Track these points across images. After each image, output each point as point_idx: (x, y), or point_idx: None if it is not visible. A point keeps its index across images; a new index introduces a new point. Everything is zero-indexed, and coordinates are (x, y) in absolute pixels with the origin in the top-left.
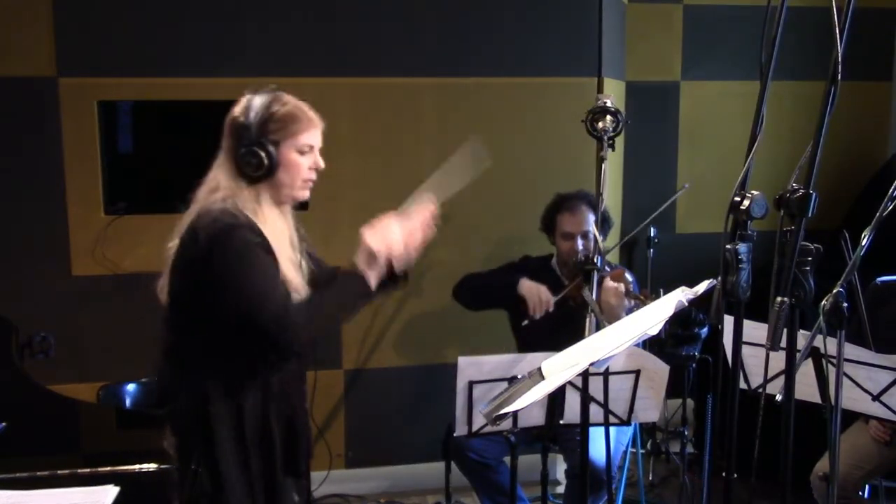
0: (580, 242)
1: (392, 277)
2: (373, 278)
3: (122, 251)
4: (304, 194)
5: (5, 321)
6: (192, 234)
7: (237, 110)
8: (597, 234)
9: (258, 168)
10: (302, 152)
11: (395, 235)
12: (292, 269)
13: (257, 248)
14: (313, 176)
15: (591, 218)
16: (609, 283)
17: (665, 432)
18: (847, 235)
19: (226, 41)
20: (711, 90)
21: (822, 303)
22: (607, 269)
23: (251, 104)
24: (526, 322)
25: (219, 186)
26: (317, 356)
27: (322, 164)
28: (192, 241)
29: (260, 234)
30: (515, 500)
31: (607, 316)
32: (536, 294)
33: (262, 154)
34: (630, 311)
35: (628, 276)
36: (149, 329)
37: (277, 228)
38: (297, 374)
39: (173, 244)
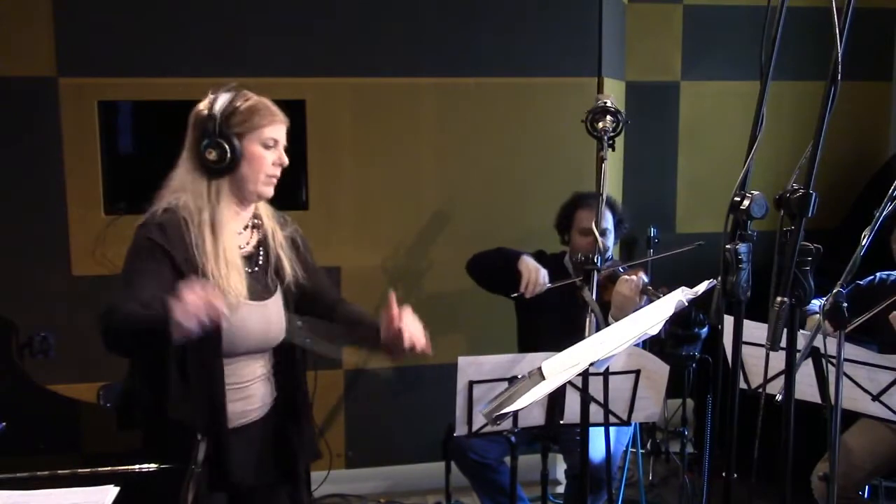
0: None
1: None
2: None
3: (122, 251)
4: (268, 191)
5: (5, 321)
6: None
7: (201, 105)
8: (597, 234)
9: (220, 160)
10: (266, 146)
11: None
12: (225, 269)
13: (152, 250)
14: (277, 172)
15: (610, 216)
16: (624, 276)
17: (665, 432)
18: None
19: (226, 41)
20: (711, 90)
21: (822, 303)
22: (621, 269)
23: (215, 99)
24: (514, 294)
25: (177, 185)
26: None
27: (286, 160)
28: None
29: (172, 235)
30: (515, 500)
31: (619, 307)
32: (534, 272)
33: (225, 145)
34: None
35: (643, 275)
36: None
37: (226, 230)
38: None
39: None
